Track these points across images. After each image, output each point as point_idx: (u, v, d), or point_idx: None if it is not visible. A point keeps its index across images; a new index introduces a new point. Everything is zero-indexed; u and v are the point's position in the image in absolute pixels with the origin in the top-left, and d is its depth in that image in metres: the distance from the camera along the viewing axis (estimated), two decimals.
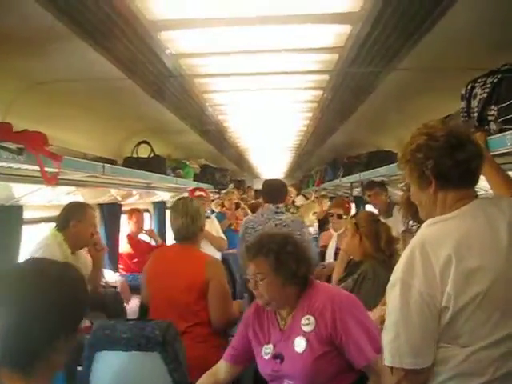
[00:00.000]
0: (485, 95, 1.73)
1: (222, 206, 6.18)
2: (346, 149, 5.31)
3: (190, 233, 2.48)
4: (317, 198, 7.00)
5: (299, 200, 7.88)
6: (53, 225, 2.74)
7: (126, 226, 4.38)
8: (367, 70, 2.23)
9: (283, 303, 1.76)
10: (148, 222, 5.14)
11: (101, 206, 3.88)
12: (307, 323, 1.68)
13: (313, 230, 5.86)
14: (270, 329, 1.80)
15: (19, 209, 2.55)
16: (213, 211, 6.25)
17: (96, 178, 2.69)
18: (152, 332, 1.98)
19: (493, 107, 1.69)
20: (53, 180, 1.82)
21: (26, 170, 1.91)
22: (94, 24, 1.67)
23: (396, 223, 3.18)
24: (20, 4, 1.48)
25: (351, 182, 4.95)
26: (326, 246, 3.88)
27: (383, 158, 3.81)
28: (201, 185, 5.08)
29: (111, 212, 4.00)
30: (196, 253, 2.50)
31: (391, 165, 3.10)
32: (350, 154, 5.11)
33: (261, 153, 6.54)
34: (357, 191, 5.40)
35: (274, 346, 1.75)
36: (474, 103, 1.80)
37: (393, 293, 1.26)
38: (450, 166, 1.27)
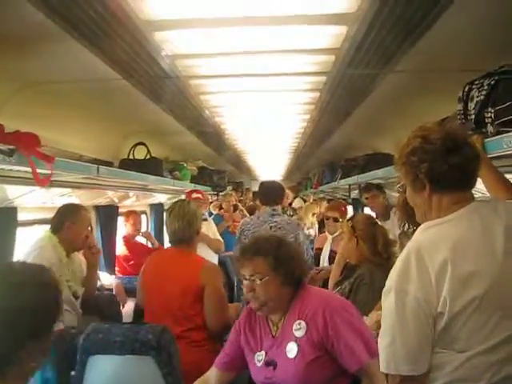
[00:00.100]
0: (482, 97, 1.72)
1: (220, 208, 6.17)
2: (343, 151, 5.29)
3: (186, 236, 2.46)
4: (315, 200, 6.98)
5: (297, 202, 7.87)
6: (47, 227, 2.72)
7: (122, 228, 4.36)
8: (364, 72, 2.21)
9: (278, 305, 1.75)
10: (145, 224, 5.12)
11: (97, 207, 3.86)
12: (298, 328, 1.67)
13: (313, 231, 5.82)
14: (262, 336, 1.79)
15: (13, 211, 2.53)
16: (211, 213, 6.24)
17: (91, 180, 2.67)
18: (146, 336, 1.96)
19: (490, 109, 1.68)
20: (45, 181, 1.80)
21: (18, 171, 1.89)
22: (87, 24, 1.65)
23: (394, 226, 3.16)
24: (12, 4, 1.46)
25: (349, 185, 4.93)
26: (320, 249, 3.86)
27: (381, 160, 3.79)
28: (198, 187, 5.06)
29: (107, 214, 3.98)
30: (192, 257, 2.48)
31: (388, 167, 3.08)
32: (347, 157, 5.09)
33: (259, 155, 6.53)
34: (355, 194, 5.38)
35: (266, 353, 1.73)
36: (471, 105, 1.78)
37: (388, 298, 1.24)
38: (445, 170, 1.26)
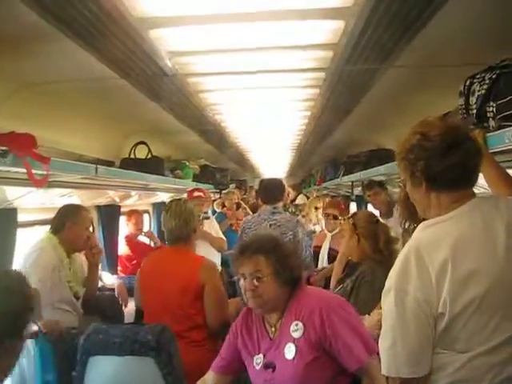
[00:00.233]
0: (483, 91, 1.68)
1: (223, 206, 6.15)
2: (346, 147, 5.26)
3: (183, 234, 2.45)
4: (318, 196, 6.95)
5: (300, 199, 7.84)
6: (48, 227, 2.72)
7: (124, 227, 4.36)
8: (363, 68, 2.18)
9: (276, 305, 1.73)
10: (148, 223, 5.12)
11: (98, 207, 3.85)
12: (296, 329, 1.65)
13: (319, 227, 5.75)
14: (259, 339, 1.77)
15: (13, 211, 2.52)
16: (214, 211, 6.22)
17: (90, 180, 2.66)
18: (145, 337, 1.96)
19: (491, 103, 1.64)
20: (42, 182, 1.79)
21: (16, 172, 1.88)
22: (81, 24, 1.63)
23: (396, 223, 3.11)
24: (5, 4, 1.44)
25: (352, 181, 4.90)
26: (319, 247, 3.83)
27: (383, 156, 3.75)
28: (200, 185, 5.04)
29: (109, 214, 3.98)
30: (191, 255, 2.48)
31: (391, 163, 3.05)
32: (350, 153, 5.05)
33: (261, 152, 6.50)
34: (358, 190, 5.35)
35: (265, 356, 1.72)
36: (473, 100, 1.75)
37: (388, 299, 1.22)
38: (442, 168, 1.23)
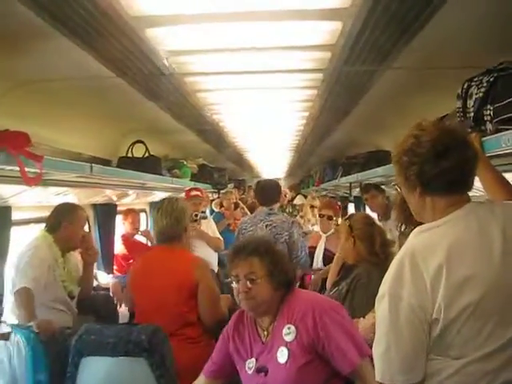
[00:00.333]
0: (481, 94, 1.67)
1: (221, 205, 6.14)
2: (344, 148, 5.25)
3: (175, 233, 2.44)
4: (313, 197, 6.92)
5: (298, 200, 7.83)
6: (43, 226, 2.70)
7: (121, 226, 4.34)
8: (361, 69, 2.17)
9: (269, 308, 1.72)
10: (145, 222, 5.10)
11: (95, 206, 3.83)
12: (288, 332, 1.64)
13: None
14: (251, 343, 1.76)
15: (7, 209, 2.51)
16: (212, 211, 6.21)
17: (86, 179, 2.65)
18: (139, 337, 1.94)
19: (489, 107, 1.63)
20: (34, 180, 1.77)
21: (11, 170, 1.87)
22: (77, 22, 1.63)
23: (394, 226, 3.11)
24: (1, 2, 1.43)
25: (350, 183, 4.88)
26: (314, 247, 3.82)
27: (381, 157, 3.74)
28: (198, 185, 5.03)
29: (106, 212, 3.96)
30: (184, 253, 2.49)
31: (389, 165, 3.04)
32: (348, 154, 5.05)
33: (260, 152, 6.49)
34: (356, 191, 5.33)
35: (257, 360, 1.71)
36: (470, 103, 1.74)
37: (382, 305, 1.21)
38: (435, 173, 1.21)
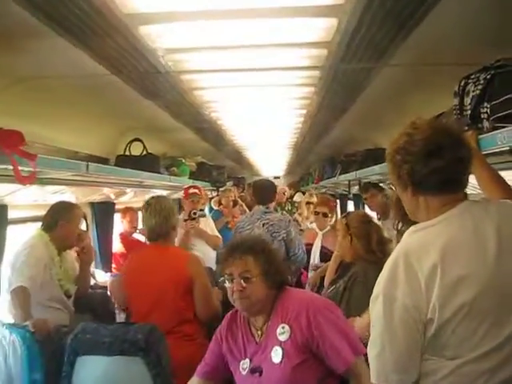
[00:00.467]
0: (478, 92, 1.66)
1: (220, 203, 6.12)
2: (343, 146, 5.24)
3: (163, 231, 2.46)
4: (311, 193, 6.91)
5: (297, 197, 7.82)
6: (39, 224, 2.69)
7: (119, 224, 4.33)
8: (358, 66, 2.16)
9: (263, 307, 1.71)
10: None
11: (92, 204, 3.83)
12: (282, 332, 1.63)
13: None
14: (245, 343, 1.75)
15: (3, 208, 2.50)
16: (211, 209, 6.20)
17: (82, 177, 2.64)
18: (135, 336, 1.94)
19: (486, 104, 1.62)
20: (28, 179, 1.76)
21: (4, 169, 1.86)
22: (72, 21, 1.62)
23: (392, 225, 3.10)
24: None
25: (349, 180, 4.88)
26: (310, 244, 3.82)
27: (380, 155, 3.71)
28: (197, 183, 5.02)
29: (104, 211, 3.96)
30: (175, 250, 2.52)
31: (385, 163, 3.02)
32: (347, 151, 5.03)
33: (259, 150, 6.47)
34: (355, 189, 5.32)
35: (251, 360, 1.70)
36: (467, 100, 1.73)
37: (376, 305, 1.20)
38: (426, 172, 1.20)
